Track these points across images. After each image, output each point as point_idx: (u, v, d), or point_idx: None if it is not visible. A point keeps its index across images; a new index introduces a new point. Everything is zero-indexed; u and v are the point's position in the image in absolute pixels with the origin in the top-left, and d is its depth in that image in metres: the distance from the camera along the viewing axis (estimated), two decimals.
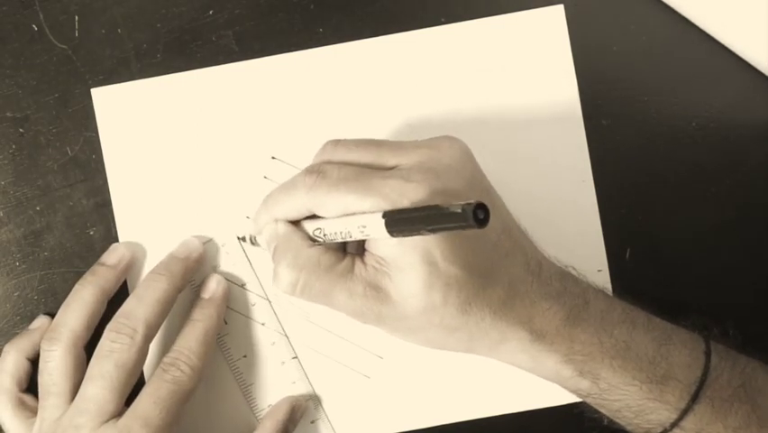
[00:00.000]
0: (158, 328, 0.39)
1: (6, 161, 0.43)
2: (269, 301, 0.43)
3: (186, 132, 0.43)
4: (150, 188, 0.43)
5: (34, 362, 0.40)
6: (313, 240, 0.37)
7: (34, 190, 0.43)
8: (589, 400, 0.37)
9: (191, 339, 0.39)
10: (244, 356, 0.42)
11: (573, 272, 0.38)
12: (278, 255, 0.36)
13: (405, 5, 0.44)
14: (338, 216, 0.35)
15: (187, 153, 0.43)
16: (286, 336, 0.43)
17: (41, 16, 0.44)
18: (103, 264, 0.41)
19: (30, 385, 0.41)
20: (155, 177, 0.43)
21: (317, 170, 0.35)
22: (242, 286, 0.43)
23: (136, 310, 0.38)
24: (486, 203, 0.29)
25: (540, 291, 0.36)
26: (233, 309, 0.43)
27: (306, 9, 0.44)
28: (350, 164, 0.36)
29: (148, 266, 0.43)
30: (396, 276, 0.34)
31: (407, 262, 0.33)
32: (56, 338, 0.39)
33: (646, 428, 0.36)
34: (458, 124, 0.43)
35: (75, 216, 0.43)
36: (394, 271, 0.34)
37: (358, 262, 0.35)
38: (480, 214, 0.28)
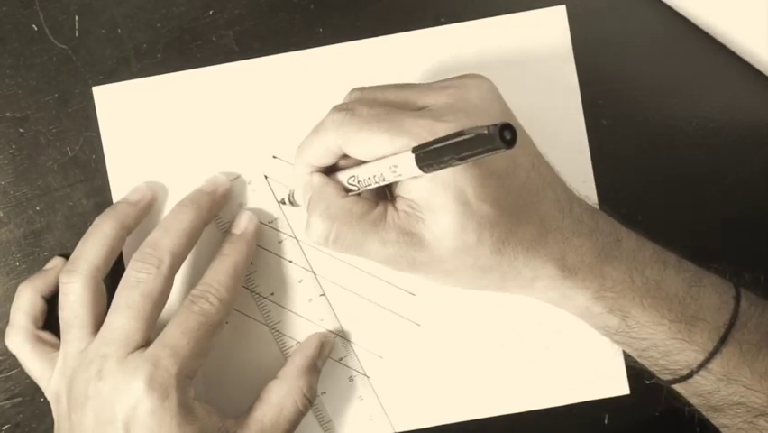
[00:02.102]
0: (183, 259, 0.39)
1: (6, 161, 0.43)
2: (297, 240, 0.43)
3: (187, 131, 0.43)
4: (150, 188, 0.43)
5: (49, 301, 0.41)
6: (347, 191, 0.36)
7: (34, 190, 0.43)
8: (616, 339, 0.37)
9: (220, 272, 0.39)
10: (272, 294, 0.43)
11: (603, 212, 0.38)
12: (312, 206, 0.36)
13: (405, 5, 0.44)
14: (368, 157, 0.34)
15: (187, 152, 0.43)
16: (313, 273, 0.43)
17: (41, 16, 0.44)
18: (124, 201, 0.41)
19: (46, 324, 0.41)
20: (156, 176, 0.43)
21: (346, 108, 0.35)
22: (269, 223, 0.43)
23: (162, 240, 0.38)
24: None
25: (571, 228, 0.35)
26: (261, 247, 0.43)
27: (306, 9, 0.44)
28: (379, 104, 0.35)
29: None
30: (428, 219, 0.33)
31: (440, 204, 0.33)
32: (75, 270, 0.38)
33: (672, 370, 0.36)
34: None
35: (75, 216, 0.43)
36: (426, 213, 0.33)
37: (390, 209, 0.35)
38: (506, 134, 0.26)
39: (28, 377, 0.41)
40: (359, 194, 0.36)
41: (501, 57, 0.44)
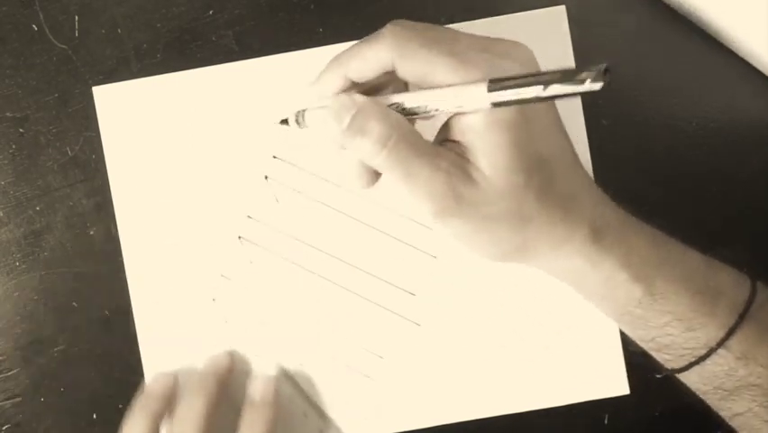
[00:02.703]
0: None
1: (6, 161, 0.43)
2: (294, 381, 0.43)
3: (187, 131, 0.43)
4: (150, 188, 0.43)
5: None
6: None
7: (34, 190, 0.43)
8: (637, 313, 0.36)
9: None
10: None
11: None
12: (364, 114, 0.32)
13: (405, 5, 0.44)
14: (421, 78, 0.33)
15: (188, 152, 0.43)
16: (314, 409, 0.43)
17: (41, 16, 0.44)
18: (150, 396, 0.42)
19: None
20: (156, 176, 0.43)
21: (406, 24, 0.33)
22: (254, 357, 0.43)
23: None
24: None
25: (601, 198, 0.36)
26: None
27: (306, 9, 0.44)
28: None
29: (152, 268, 0.43)
30: (481, 158, 0.32)
31: (494, 144, 0.32)
32: None
33: (690, 349, 0.36)
34: None
35: (75, 216, 0.43)
36: (479, 153, 0.32)
37: (444, 145, 0.33)
38: (606, 78, 0.26)
39: (28, 377, 0.41)
40: None
41: None
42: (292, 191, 0.43)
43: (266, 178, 0.43)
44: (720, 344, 0.35)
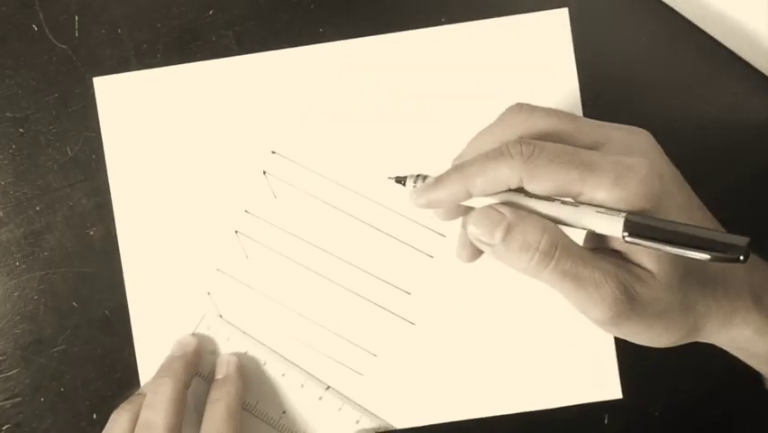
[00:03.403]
0: (179, 427, 0.39)
1: (6, 161, 0.43)
2: (271, 348, 0.43)
3: (186, 125, 0.43)
4: (148, 181, 0.43)
5: None
6: None
7: (34, 190, 0.43)
8: None
9: (216, 419, 0.40)
10: (284, 412, 0.43)
11: None
12: (520, 231, 0.32)
13: (405, 5, 0.44)
14: (551, 192, 0.32)
15: (187, 147, 0.43)
16: (308, 373, 0.43)
17: (41, 16, 0.44)
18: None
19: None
20: (154, 169, 0.43)
21: (533, 142, 0.32)
22: (246, 352, 0.43)
23: (153, 418, 0.39)
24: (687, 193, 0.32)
25: (752, 260, 0.35)
26: (250, 379, 0.43)
27: (306, 9, 0.44)
28: (555, 139, 0.33)
29: (148, 261, 0.43)
30: (642, 258, 0.32)
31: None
32: None
33: None
34: (457, 124, 0.43)
35: (75, 216, 0.43)
36: (638, 253, 0.32)
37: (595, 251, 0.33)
38: (748, 254, 0.27)
39: (28, 377, 0.41)
40: None
41: (502, 58, 0.44)
42: (290, 187, 0.43)
43: (264, 173, 0.43)
44: None
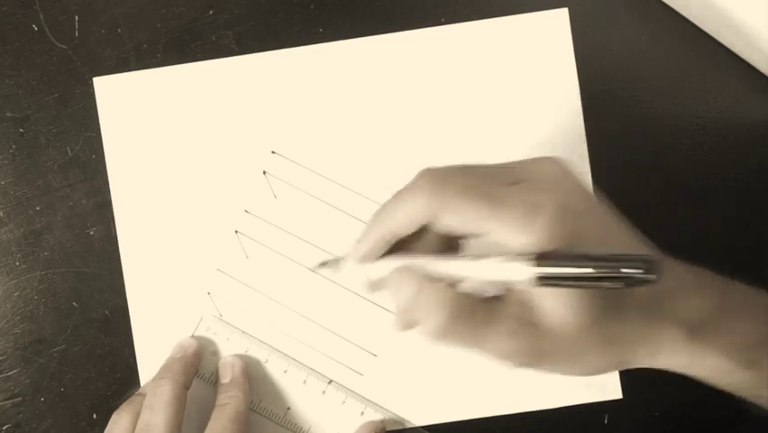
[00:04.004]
0: (179, 429, 0.39)
1: (6, 161, 0.43)
2: (280, 351, 0.43)
3: (186, 125, 0.43)
4: (150, 183, 0.43)
5: None
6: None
7: (34, 190, 0.43)
8: (747, 394, 0.36)
9: (223, 420, 0.40)
10: (288, 409, 0.43)
11: (694, 266, 0.36)
12: (422, 300, 0.32)
13: (405, 6, 0.44)
14: (462, 226, 0.32)
15: (187, 147, 0.43)
16: (310, 369, 0.43)
17: (41, 16, 0.44)
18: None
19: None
20: (153, 169, 0.43)
21: (438, 173, 0.32)
22: (246, 352, 0.43)
23: (152, 419, 0.39)
24: (595, 212, 0.31)
25: (679, 286, 0.34)
26: (252, 378, 0.43)
27: (306, 9, 0.44)
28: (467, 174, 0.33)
29: (148, 261, 0.43)
30: (547, 303, 0.31)
31: (555, 291, 0.31)
32: None
33: None
34: (457, 124, 0.43)
35: (75, 216, 0.43)
36: (544, 299, 0.31)
37: (503, 302, 0.32)
38: (659, 270, 0.26)
39: (28, 377, 0.41)
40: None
41: (502, 57, 0.44)
42: (290, 187, 0.43)
43: (264, 173, 0.43)
44: None
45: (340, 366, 0.43)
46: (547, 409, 0.43)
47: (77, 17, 0.44)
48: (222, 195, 0.43)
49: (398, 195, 0.33)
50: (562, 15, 0.44)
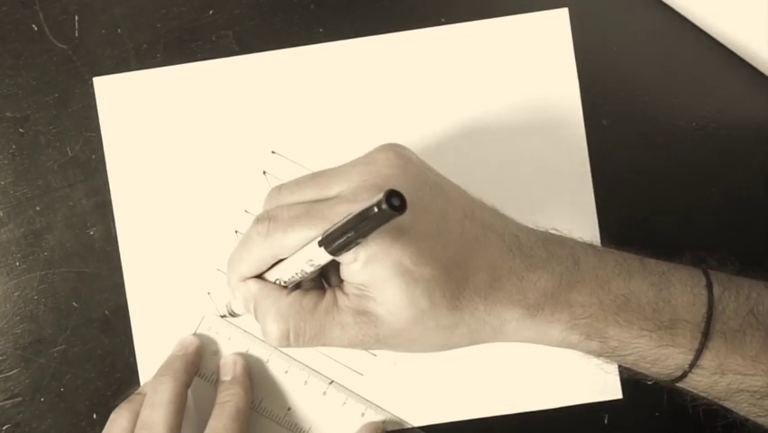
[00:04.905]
0: (179, 427, 0.39)
1: (6, 161, 0.43)
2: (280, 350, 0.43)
3: (186, 125, 0.43)
4: (150, 183, 0.43)
5: None
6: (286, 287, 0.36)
7: (34, 190, 0.43)
8: (602, 359, 0.37)
9: (224, 418, 0.39)
10: (289, 409, 0.43)
11: (557, 234, 0.37)
12: (261, 312, 0.36)
13: (405, 5, 0.44)
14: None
15: (187, 147, 0.43)
16: (312, 369, 0.43)
17: (41, 16, 0.44)
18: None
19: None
20: (153, 169, 0.43)
21: (267, 216, 0.35)
22: (248, 351, 0.43)
23: (152, 417, 0.39)
24: (425, 195, 0.33)
25: (525, 264, 0.35)
26: (253, 378, 0.43)
27: (306, 9, 0.44)
28: (297, 203, 0.35)
29: (148, 261, 0.43)
30: (378, 295, 0.33)
31: (382, 279, 0.33)
32: None
33: (667, 373, 0.36)
34: (457, 124, 0.43)
35: (75, 216, 0.43)
36: (374, 291, 0.33)
37: (339, 294, 0.35)
38: (394, 201, 0.28)
39: (28, 377, 0.41)
40: (299, 287, 0.36)
41: (502, 57, 0.44)
42: None
43: (264, 173, 0.43)
44: (692, 366, 0.35)
45: (340, 366, 0.43)
46: (547, 409, 0.43)
47: (76, 17, 0.44)
48: (222, 195, 0.43)
49: (241, 243, 0.36)
50: (562, 15, 0.44)
